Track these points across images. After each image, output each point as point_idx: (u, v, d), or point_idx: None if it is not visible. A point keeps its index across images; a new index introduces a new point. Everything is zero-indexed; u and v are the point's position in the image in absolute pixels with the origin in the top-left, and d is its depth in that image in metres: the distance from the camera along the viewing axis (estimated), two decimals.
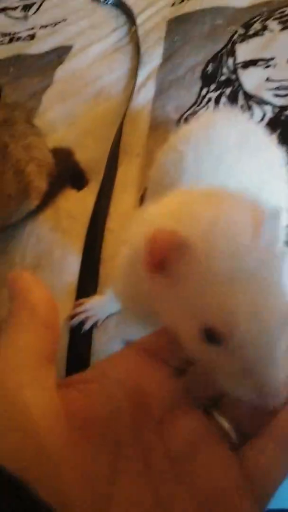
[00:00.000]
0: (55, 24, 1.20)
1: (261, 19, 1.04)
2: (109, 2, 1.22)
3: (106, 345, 0.60)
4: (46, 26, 1.21)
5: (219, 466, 0.23)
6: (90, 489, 0.20)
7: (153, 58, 1.04)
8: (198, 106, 0.92)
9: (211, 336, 0.26)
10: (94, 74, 1.04)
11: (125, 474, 0.21)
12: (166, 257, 0.27)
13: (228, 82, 0.95)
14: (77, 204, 0.76)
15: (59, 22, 1.21)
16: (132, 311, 0.45)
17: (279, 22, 1.01)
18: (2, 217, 0.69)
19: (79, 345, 0.59)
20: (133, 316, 0.47)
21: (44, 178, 0.72)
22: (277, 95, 0.86)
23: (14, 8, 1.31)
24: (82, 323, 0.60)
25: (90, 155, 0.85)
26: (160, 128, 0.87)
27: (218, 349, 0.26)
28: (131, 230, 0.38)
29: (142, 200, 0.73)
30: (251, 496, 0.22)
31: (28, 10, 1.28)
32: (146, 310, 0.35)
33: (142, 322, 0.46)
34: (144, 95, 0.95)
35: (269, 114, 0.83)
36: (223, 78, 0.96)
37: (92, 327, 0.61)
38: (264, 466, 0.23)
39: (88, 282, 0.65)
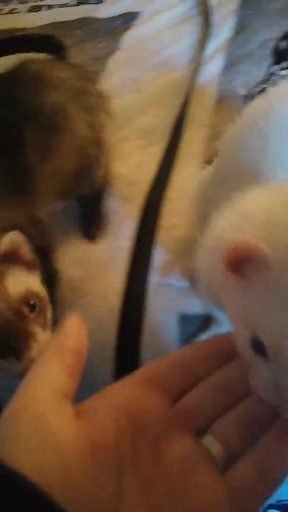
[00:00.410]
0: None
1: None
2: None
3: (159, 313, 0.58)
4: None
5: (207, 484, 0.26)
6: (100, 504, 0.24)
7: (223, 31, 1.00)
8: (267, 83, 0.88)
9: (258, 346, 0.28)
10: (161, 43, 1.01)
11: (127, 491, 0.25)
12: (243, 264, 0.29)
13: None
14: (138, 170, 0.74)
15: None
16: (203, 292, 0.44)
17: None
18: (53, 192, 0.61)
19: (132, 310, 0.59)
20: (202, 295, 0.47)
21: (104, 164, 0.67)
22: None
23: None
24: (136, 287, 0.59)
25: (153, 121, 0.83)
26: (226, 102, 0.84)
27: (261, 358, 0.28)
28: (222, 217, 0.35)
29: None
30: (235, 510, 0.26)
31: None
32: (215, 296, 0.36)
33: (210, 302, 0.45)
34: (212, 68, 0.92)
35: None
36: None
37: (145, 293, 0.60)
38: (246, 487, 0.27)
39: (143, 249, 0.64)
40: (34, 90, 0.58)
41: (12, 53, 1.09)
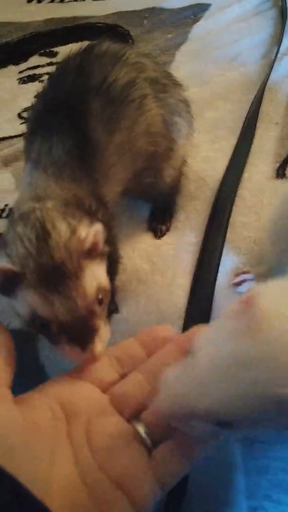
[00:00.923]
0: None
1: None
2: None
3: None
4: None
5: (133, 456, 0.33)
6: (35, 469, 0.31)
7: None
8: None
9: None
10: (231, 37, 0.99)
11: (60, 462, 0.32)
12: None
13: None
14: (206, 165, 0.73)
15: None
16: None
17: None
18: (119, 173, 0.60)
19: (198, 309, 0.58)
20: None
21: (175, 166, 0.67)
22: None
23: None
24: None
25: (221, 115, 0.82)
26: None
27: None
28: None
29: (279, 171, 0.69)
30: (155, 482, 0.33)
31: None
32: None
33: None
34: (286, 65, 0.89)
35: None
36: None
37: (213, 293, 0.59)
38: (165, 463, 0.34)
39: (213, 248, 0.63)
40: (110, 64, 0.58)
41: (76, 42, 1.11)
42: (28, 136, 0.59)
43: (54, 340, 0.42)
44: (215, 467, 0.60)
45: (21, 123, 0.87)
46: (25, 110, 0.89)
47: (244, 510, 0.62)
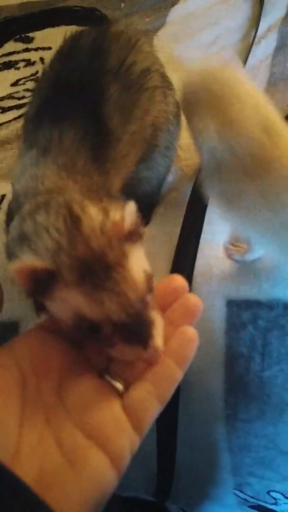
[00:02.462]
0: None
1: None
2: None
3: (205, 298, 0.62)
4: None
5: (107, 408, 0.34)
6: (2, 435, 0.32)
7: (277, 8, 1.01)
8: None
9: None
10: (210, 19, 1.02)
11: (30, 424, 0.33)
12: None
13: None
14: (188, 155, 0.77)
15: None
16: None
17: None
18: (128, 164, 0.60)
19: None
20: None
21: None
22: None
23: None
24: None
25: None
26: (279, 85, 0.86)
27: None
28: None
29: None
30: (130, 427, 0.34)
31: None
32: None
33: None
34: (264, 48, 0.93)
35: None
36: None
37: (192, 277, 0.63)
38: (141, 400, 0.35)
39: (190, 236, 0.67)
40: (128, 46, 0.58)
41: (53, 26, 1.13)
42: (33, 118, 0.56)
43: (107, 343, 0.38)
44: (201, 448, 0.65)
45: None
46: (2, 99, 0.92)
47: (231, 487, 0.68)
